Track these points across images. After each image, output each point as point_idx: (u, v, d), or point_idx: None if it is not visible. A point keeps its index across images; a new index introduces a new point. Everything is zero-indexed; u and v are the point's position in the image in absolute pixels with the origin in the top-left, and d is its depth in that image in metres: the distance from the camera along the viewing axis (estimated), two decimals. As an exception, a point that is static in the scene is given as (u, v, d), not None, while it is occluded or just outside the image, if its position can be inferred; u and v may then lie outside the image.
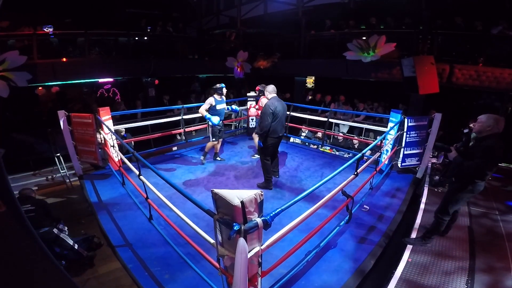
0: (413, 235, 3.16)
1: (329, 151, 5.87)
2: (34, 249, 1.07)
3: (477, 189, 2.64)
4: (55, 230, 2.96)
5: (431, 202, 3.92)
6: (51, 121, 5.88)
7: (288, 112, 5.96)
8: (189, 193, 2.26)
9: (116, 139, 4.55)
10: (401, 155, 4.85)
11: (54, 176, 5.74)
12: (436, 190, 4.29)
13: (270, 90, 4.29)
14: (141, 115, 7.94)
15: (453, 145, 2.84)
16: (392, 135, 4.74)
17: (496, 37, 6.09)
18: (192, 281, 2.55)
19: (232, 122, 8.38)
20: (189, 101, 9.12)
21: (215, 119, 4.83)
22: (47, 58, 7.12)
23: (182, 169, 5.13)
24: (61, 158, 5.63)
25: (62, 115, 4.32)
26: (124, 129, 5.85)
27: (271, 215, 1.84)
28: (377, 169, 4.08)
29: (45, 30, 8.01)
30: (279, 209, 1.95)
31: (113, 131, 5.47)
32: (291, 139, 7.13)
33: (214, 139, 5.07)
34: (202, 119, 8.03)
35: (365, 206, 3.85)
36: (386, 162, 4.87)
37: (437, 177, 4.63)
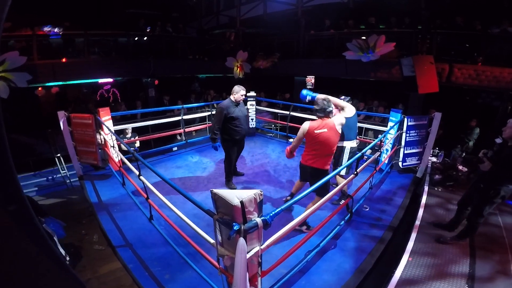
0: (414, 234, 3.16)
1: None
2: (42, 248, 1.09)
3: (508, 192, 2.69)
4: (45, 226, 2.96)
5: (431, 201, 3.93)
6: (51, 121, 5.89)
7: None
8: (189, 193, 2.27)
9: (116, 139, 4.56)
10: (401, 155, 4.85)
11: (55, 176, 5.75)
12: (436, 189, 4.30)
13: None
14: (141, 116, 7.95)
15: (480, 154, 2.80)
16: (392, 134, 4.74)
17: (495, 36, 6.10)
18: (192, 281, 2.56)
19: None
20: (189, 101, 9.14)
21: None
22: (47, 58, 7.13)
23: (182, 169, 5.13)
24: (61, 158, 5.64)
25: (62, 115, 4.33)
26: (130, 129, 5.86)
27: (271, 214, 1.84)
28: (377, 168, 4.09)
29: (45, 30, 8.00)
30: (279, 209, 1.96)
31: (119, 130, 5.50)
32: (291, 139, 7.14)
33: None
34: (202, 119, 8.08)
35: (365, 205, 3.85)
36: (386, 162, 4.87)
37: (437, 176, 4.63)
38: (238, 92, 3.95)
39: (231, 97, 4.01)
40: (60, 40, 7.90)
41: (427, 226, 3.34)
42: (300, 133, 2.99)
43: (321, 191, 2.85)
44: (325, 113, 2.91)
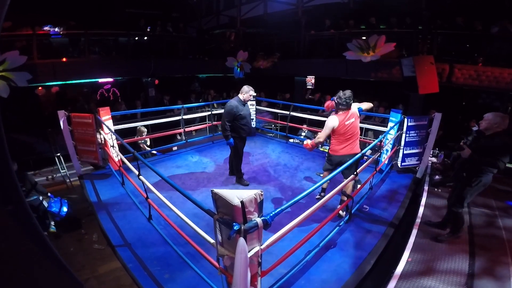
0: (413, 234, 3.16)
1: (329, 151, 5.88)
2: (40, 247, 1.09)
3: (489, 180, 2.78)
4: (41, 198, 3.84)
5: (431, 201, 3.93)
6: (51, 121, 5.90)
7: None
8: (189, 193, 2.26)
9: (116, 139, 4.55)
10: (400, 155, 4.85)
11: (54, 176, 5.76)
12: (436, 189, 4.29)
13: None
14: (141, 115, 7.95)
15: (460, 143, 2.91)
16: (392, 134, 4.74)
17: (496, 37, 6.10)
18: (192, 281, 2.55)
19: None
20: (189, 101, 9.14)
21: None
22: (47, 58, 7.13)
23: (182, 168, 5.13)
24: (61, 158, 5.65)
25: (62, 115, 4.33)
26: (145, 130, 5.92)
27: (271, 215, 1.84)
28: (377, 169, 4.08)
29: (45, 29, 7.99)
30: (279, 209, 1.96)
31: (134, 129, 5.59)
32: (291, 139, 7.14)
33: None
34: (202, 119, 8.07)
35: (364, 206, 3.85)
36: (386, 162, 4.86)
37: (437, 177, 4.63)
38: (248, 92, 4.04)
39: (240, 96, 4.07)
40: (60, 39, 7.91)
41: (426, 226, 3.34)
42: (328, 128, 3.28)
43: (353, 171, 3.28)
44: (348, 106, 3.23)
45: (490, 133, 2.75)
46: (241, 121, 4.02)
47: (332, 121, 3.25)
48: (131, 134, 6.00)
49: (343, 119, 3.23)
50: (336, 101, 3.25)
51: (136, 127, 6.06)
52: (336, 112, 3.30)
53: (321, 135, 3.33)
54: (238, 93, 4.13)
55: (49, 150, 5.90)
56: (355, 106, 3.35)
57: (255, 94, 4.14)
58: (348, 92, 3.22)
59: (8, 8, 1.00)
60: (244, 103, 4.08)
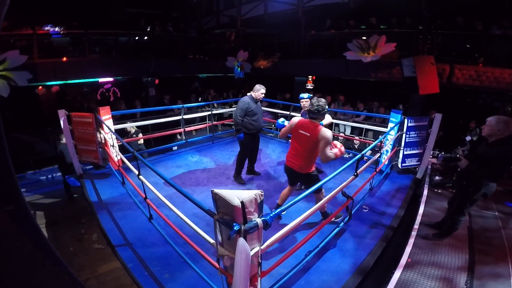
0: (413, 235, 3.16)
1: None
2: (40, 247, 1.09)
3: (491, 191, 2.68)
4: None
5: (431, 202, 3.92)
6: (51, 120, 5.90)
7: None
8: (189, 193, 2.26)
9: (116, 138, 4.55)
10: (401, 156, 4.85)
11: (54, 175, 5.75)
12: (436, 190, 4.29)
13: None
14: (141, 115, 7.95)
15: (458, 152, 2.87)
16: (392, 135, 4.74)
17: (496, 37, 6.09)
18: (192, 281, 2.55)
19: (232, 122, 8.38)
20: (189, 101, 9.14)
21: None
22: (48, 57, 7.13)
23: (182, 169, 5.13)
24: (61, 157, 5.63)
25: (62, 114, 4.32)
26: (133, 129, 5.88)
27: (271, 215, 1.84)
28: (377, 169, 4.08)
29: (45, 29, 7.99)
30: (280, 209, 1.96)
31: (121, 129, 5.54)
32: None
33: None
34: (203, 119, 8.07)
35: (364, 206, 3.85)
36: (386, 163, 4.86)
37: (437, 178, 4.63)
38: (259, 90, 4.15)
39: (252, 94, 4.18)
40: (61, 39, 7.91)
41: (426, 227, 3.34)
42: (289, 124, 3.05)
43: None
44: (314, 115, 2.83)
45: (492, 140, 2.59)
46: (252, 118, 4.12)
47: (293, 119, 2.99)
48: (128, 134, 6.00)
49: (300, 125, 2.90)
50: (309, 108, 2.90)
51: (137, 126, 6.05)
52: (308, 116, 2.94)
53: (284, 129, 3.14)
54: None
55: (49, 150, 5.90)
56: (326, 119, 3.45)
57: (265, 92, 4.23)
58: (321, 102, 2.81)
59: (8, 7, 1.00)
60: (256, 101, 4.17)
